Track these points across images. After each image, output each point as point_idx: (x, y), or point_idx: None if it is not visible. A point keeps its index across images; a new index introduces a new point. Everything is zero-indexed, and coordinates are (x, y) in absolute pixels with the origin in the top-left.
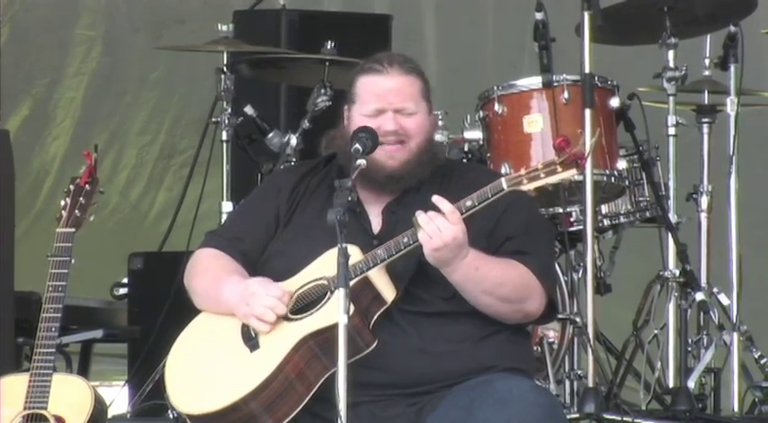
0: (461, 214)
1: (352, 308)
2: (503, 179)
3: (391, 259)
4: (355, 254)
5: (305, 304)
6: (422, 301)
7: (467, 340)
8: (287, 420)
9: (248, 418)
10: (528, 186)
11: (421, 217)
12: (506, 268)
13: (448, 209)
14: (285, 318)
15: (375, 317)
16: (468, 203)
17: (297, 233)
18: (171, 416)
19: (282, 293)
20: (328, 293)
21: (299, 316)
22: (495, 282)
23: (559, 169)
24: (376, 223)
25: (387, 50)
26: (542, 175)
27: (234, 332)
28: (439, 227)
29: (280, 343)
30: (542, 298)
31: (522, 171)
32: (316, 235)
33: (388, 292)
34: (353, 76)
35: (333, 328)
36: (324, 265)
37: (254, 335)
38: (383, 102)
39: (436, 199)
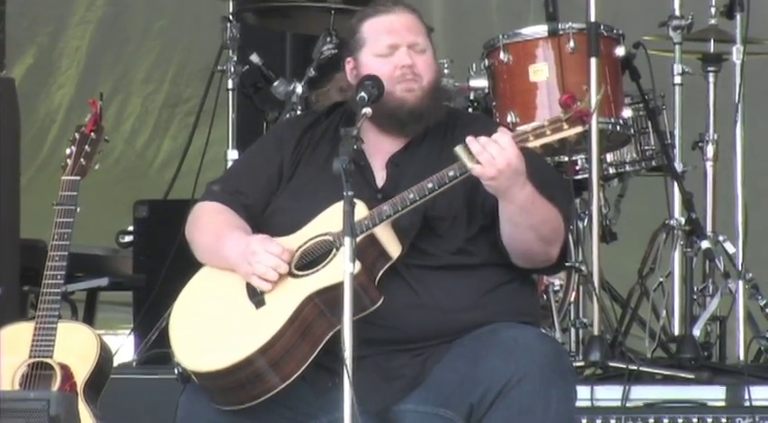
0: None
1: (358, 265)
2: (511, 136)
3: (397, 216)
4: (360, 210)
5: (310, 260)
6: (427, 254)
7: (473, 294)
8: (293, 378)
9: (254, 376)
10: (534, 143)
11: (474, 146)
12: (550, 208)
13: (501, 137)
14: (290, 274)
15: (380, 273)
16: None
17: (300, 188)
18: (176, 371)
19: (282, 251)
20: (334, 250)
21: (304, 272)
22: (542, 218)
23: (565, 126)
24: (380, 177)
25: None
26: (548, 132)
27: (239, 288)
28: (492, 154)
29: (285, 300)
30: (561, 245)
31: (528, 128)
32: (319, 189)
33: (393, 248)
34: (355, 24)
35: (338, 286)
36: (328, 220)
37: (259, 291)
38: (396, 37)
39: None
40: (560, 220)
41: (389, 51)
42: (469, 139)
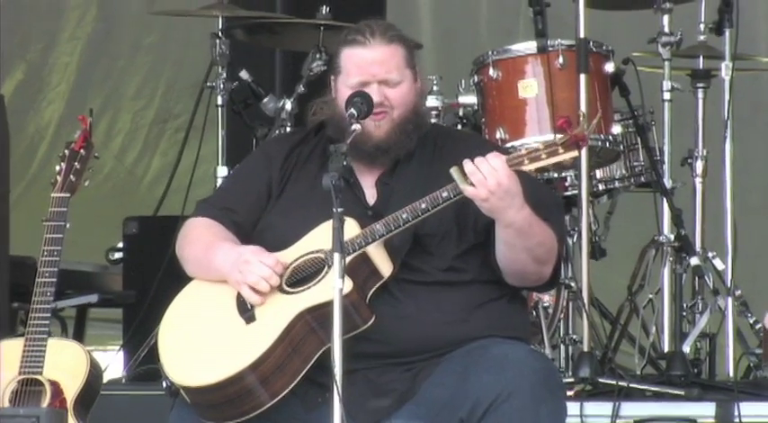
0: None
1: (350, 284)
2: (504, 159)
3: (389, 235)
4: (352, 227)
5: (301, 277)
6: (418, 271)
7: (463, 309)
8: (282, 394)
9: (244, 392)
10: (529, 167)
11: (467, 166)
12: (546, 229)
13: (491, 155)
14: (281, 290)
15: (371, 291)
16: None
17: (290, 205)
18: (164, 385)
19: (276, 263)
20: (325, 268)
21: (295, 289)
22: (538, 240)
23: (561, 151)
24: (370, 195)
25: (381, 15)
26: (543, 156)
27: (229, 302)
28: (484, 175)
29: (276, 317)
30: (554, 265)
31: (524, 151)
32: (309, 207)
33: (385, 266)
34: (338, 47)
35: (329, 304)
36: (319, 237)
37: (249, 307)
38: (367, 74)
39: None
40: (555, 240)
41: (360, 86)
42: (465, 161)
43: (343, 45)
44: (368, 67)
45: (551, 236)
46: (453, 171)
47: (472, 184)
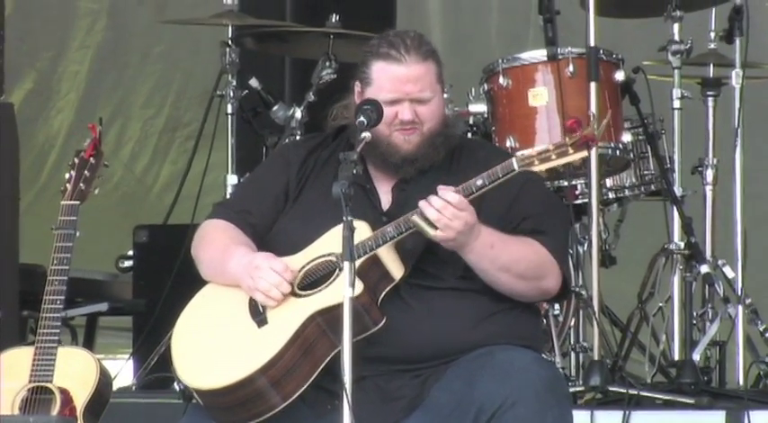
0: (471, 194)
1: (361, 286)
2: (513, 160)
3: (400, 237)
4: (364, 230)
5: (313, 280)
6: (432, 276)
7: (474, 316)
8: (294, 396)
9: (256, 395)
10: (539, 167)
11: (429, 211)
12: (522, 245)
13: (456, 200)
14: (293, 294)
15: (383, 294)
16: (479, 183)
17: (305, 210)
18: (177, 388)
19: (285, 269)
20: (337, 270)
21: (307, 292)
22: (511, 258)
23: (570, 151)
24: (385, 200)
25: (391, 23)
26: (553, 157)
27: (241, 306)
28: (449, 218)
29: (288, 320)
30: (558, 276)
31: (534, 152)
32: (324, 211)
33: (396, 269)
34: (368, 57)
35: (341, 306)
36: (332, 241)
37: (261, 310)
38: (400, 92)
39: (441, 190)
40: (543, 253)
41: (392, 102)
42: (423, 205)
43: (375, 57)
44: (402, 85)
45: (535, 251)
46: (416, 218)
47: (436, 228)
